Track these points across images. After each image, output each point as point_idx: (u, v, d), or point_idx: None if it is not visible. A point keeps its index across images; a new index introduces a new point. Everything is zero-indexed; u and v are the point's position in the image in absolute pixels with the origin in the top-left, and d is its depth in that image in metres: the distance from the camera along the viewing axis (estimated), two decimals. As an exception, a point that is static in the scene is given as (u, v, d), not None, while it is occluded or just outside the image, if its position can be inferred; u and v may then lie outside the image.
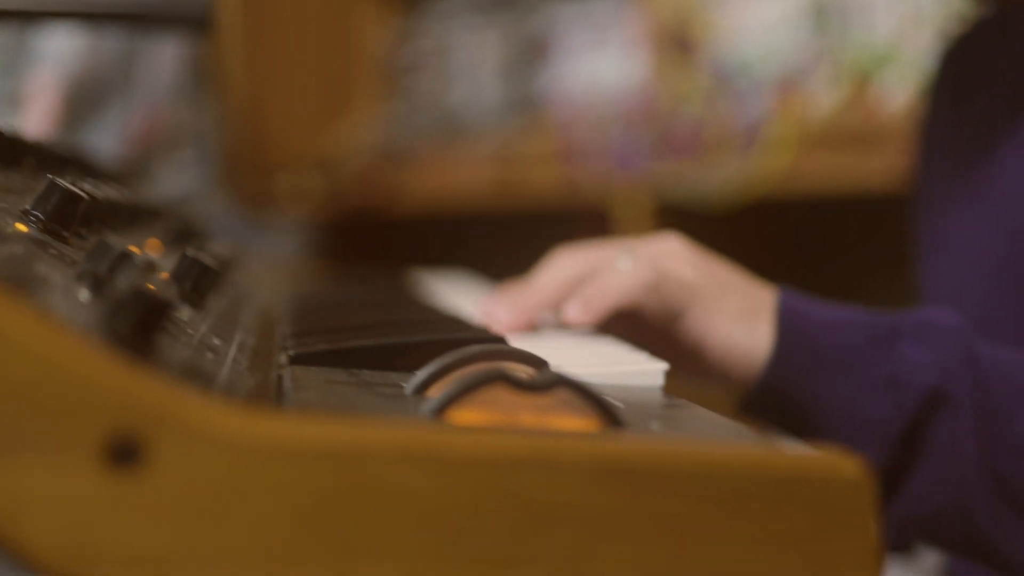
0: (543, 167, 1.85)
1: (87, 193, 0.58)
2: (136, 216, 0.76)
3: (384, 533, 0.30)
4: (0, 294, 0.29)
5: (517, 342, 0.61)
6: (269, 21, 2.37)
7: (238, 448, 0.30)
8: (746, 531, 0.32)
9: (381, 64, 2.33)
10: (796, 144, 1.48)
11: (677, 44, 1.66)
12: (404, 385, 0.43)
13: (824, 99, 1.50)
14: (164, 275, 0.53)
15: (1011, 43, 0.81)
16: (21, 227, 0.47)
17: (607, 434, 0.36)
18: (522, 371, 0.40)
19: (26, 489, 0.28)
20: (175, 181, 1.99)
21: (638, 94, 1.72)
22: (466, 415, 0.38)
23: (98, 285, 0.40)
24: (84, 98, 1.85)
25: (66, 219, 0.54)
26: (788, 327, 0.61)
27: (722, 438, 0.37)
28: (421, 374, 0.42)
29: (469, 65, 2.11)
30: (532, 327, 0.63)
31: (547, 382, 0.38)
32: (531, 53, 1.98)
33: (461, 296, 0.83)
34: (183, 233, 0.75)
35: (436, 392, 0.40)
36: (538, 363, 0.44)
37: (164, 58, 1.93)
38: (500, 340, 0.51)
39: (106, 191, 0.68)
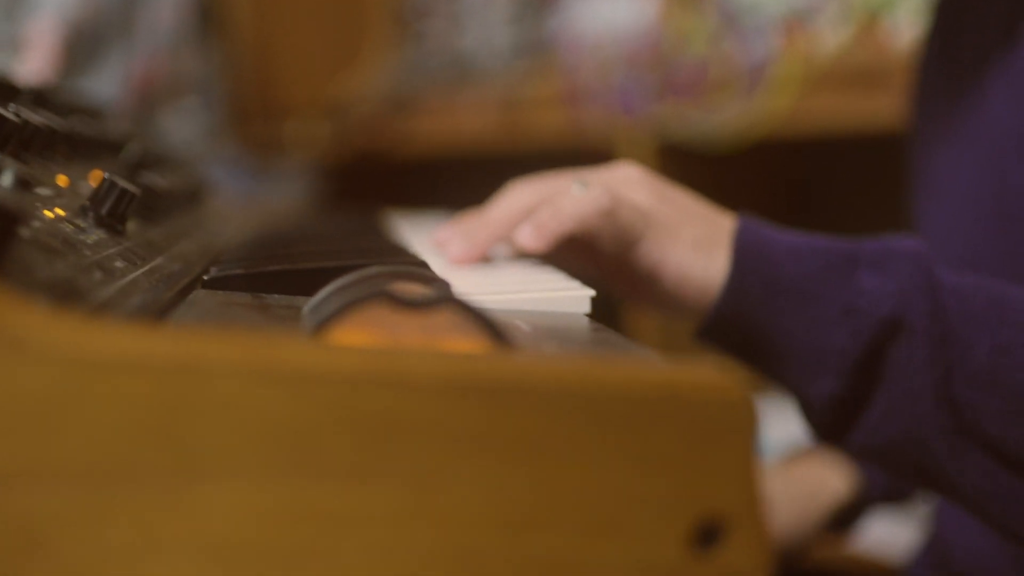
0: (549, 110, 1.83)
1: (20, 118, 0.58)
2: (94, 148, 0.75)
3: (222, 449, 0.29)
4: None
5: (453, 272, 0.59)
6: (277, -36, 2.35)
7: (66, 359, 0.28)
8: (612, 452, 0.31)
9: (392, 9, 2.30)
10: (802, 83, 1.46)
11: (683, -17, 1.63)
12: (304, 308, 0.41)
13: (831, 37, 1.47)
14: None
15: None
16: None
17: (474, 353, 0.34)
18: (417, 292, 0.38)
19: None
20: (180, 127, 1.98)
21: (644, 35, 1.69)
22: (350, 335, 0.36)
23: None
24: (84, 44, 1.83)
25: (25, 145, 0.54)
26: (744, 255, 0.59)
27: (607, 359, 0.35)
28: (317, 296, 0.41)
29: (479, 9, 2.08)
30: (484, 258, 0.62)
31: (430, 301, 0.36)
32: (541, -3, 1.96)
33: (425, 234, 0.81)
34: (140, 165, 0.74)
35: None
36: (439, 285, 0.42)
37: (167, 3, 1.91)
38: (422, 265, 0.49)
39: (58, 122, 0.66)
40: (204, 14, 2.05)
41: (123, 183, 0.50)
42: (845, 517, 0.92)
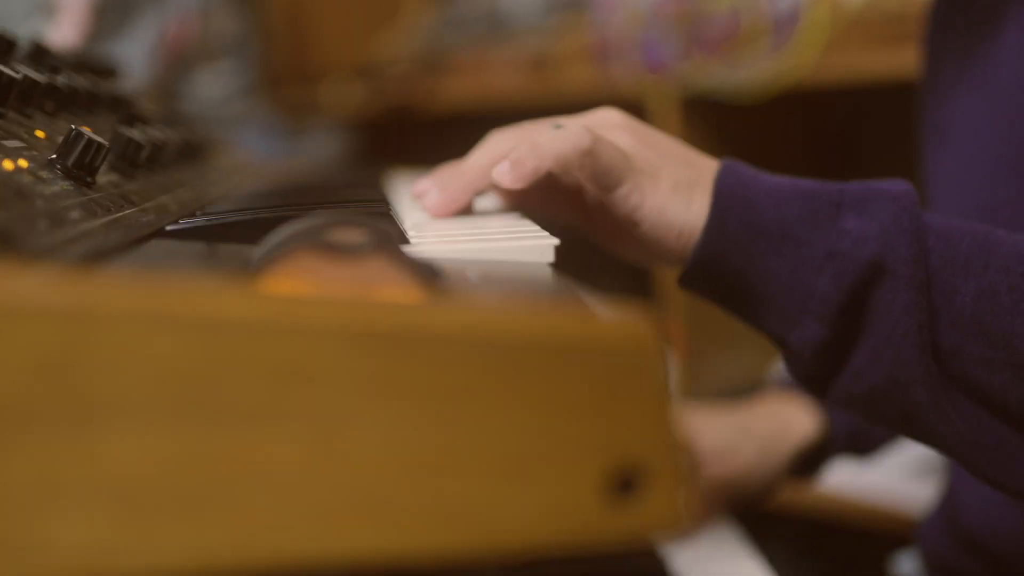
0: (579, 66, 1.82)
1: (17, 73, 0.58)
2: (94, 104, 0.75)
3: (120, 394, 0.29)
4: None
5: (428, 223, 0.59)
6: (311, -77, 2.34)
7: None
8: (520, 399, 0.30)
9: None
10: (830, 32, 1.44)
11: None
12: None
13: (859, -12, 1.44)
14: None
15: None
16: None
17: (379, 301, 0.33)
18: (351, 240, 0.38)
19: None
20: (213, 90, 1.99)
21: (675, -11, 1.67)
22: (277, 282, 0.36)
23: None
24: (116, 8, 1.84)
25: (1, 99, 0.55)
26: (725, 198, 0.57)
27: (523, 307, 0.34)
28: (263, 244, 0.40)
29: (513, -34, 2.07)
30: (463, 209, 0.61)
31: (362, 249, 0.36)
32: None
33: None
34: (135, 120, 0.74)
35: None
36: (384, 234, 0.41)
37: (200, -35, 1.92)
38: (385, 215, 0.49)
39: (51, 78, 0.67)
40: (237, -24, 2.06)
41: (90, 135, 0.50)
42: (808, 463, 0.91)
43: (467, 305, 0.31)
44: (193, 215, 0.52)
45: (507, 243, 0.48)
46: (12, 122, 0.56)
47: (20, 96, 0.58)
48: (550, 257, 0.47)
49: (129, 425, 0.29)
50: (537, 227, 0.54)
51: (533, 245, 0.47)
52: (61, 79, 0.67)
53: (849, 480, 1.51)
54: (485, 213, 0.61)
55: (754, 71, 1.50)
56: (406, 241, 0.48)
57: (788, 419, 0.88)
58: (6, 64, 0.65)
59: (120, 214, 0.50)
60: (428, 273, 0.36)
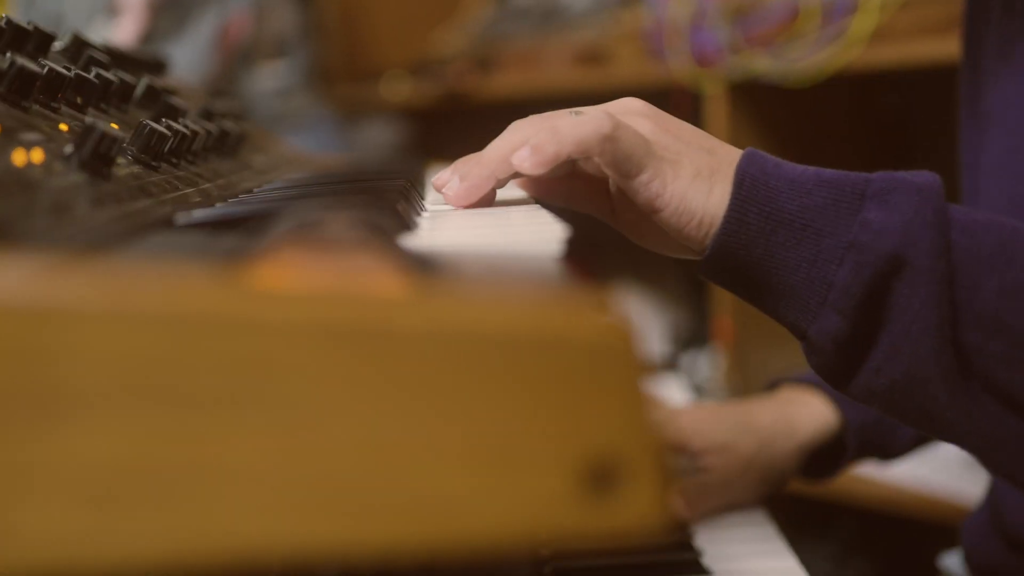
0: (630, 56, 1.81)
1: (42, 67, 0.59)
2: (126, 97, 0.76)
3: (90, 386, 0.29)
4: None
5: (444, 213, 0.59)
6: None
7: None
8: (492, 394, 0.30)
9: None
10: (880, 18, 1.42)
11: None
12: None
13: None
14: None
15: None
16: None
17: (346, 296, 0.32)
18: (344, 231, 0.38)
19: None
20: (268, 87, 2.01)
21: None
22: (266, 273, 0.35)
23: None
24: (174, 7, 1.87)
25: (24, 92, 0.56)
26: (746, 186, 0.56)
27: (511, 301, 0.33)
28: (266, 237, 0.40)
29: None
30: (484, 199, 0.60)
31: (346, 242, 0.35)
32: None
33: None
34: (166, 112, 0.74)
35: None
36: (388, 224, 0.41)
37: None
38: (402, 196, 0.48)
39: (87, 72, 0.67)
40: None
41: (104, 127, 0.51)
42: (822, 463, 0.89)
43: (444, 300, 0.31)
44: (210, 207, 0.53)
45: (514, 234, 0.48)
46: (36, 115, 0.56)
47: (45, 89, 0.59)
48: (556, 249, 0.46)
49: (98, 416, 0.29)
50: (549, 218, 0.53)
51: (539, 238, 0.47)
52: (95, 73, 0.68)
53: (909, 470, 1.48)
54: (504, 203, 0.61)
55: (804, 57, 1.48)
56: (408, 231, 0.48)
57: (793, 416, 0.86)
58: (40, 58, 0.67)
59: (134, 207, 0.50)
60: (420, 266, 0.36)
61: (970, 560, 0.89)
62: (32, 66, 0.56)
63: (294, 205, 0.47)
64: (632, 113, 0.59)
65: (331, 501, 0.30)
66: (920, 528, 1.47)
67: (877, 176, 0.57)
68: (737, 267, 0.58)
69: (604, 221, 0.65)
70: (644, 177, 0.57)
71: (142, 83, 0.79)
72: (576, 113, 0.58)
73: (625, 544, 0.79)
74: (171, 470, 0.29)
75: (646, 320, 2.07)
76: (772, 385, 0.92)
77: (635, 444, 0.30)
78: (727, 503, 0.84)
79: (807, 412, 0.86)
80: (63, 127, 0.57)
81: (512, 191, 0.64)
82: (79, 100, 0.64)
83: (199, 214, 0.47)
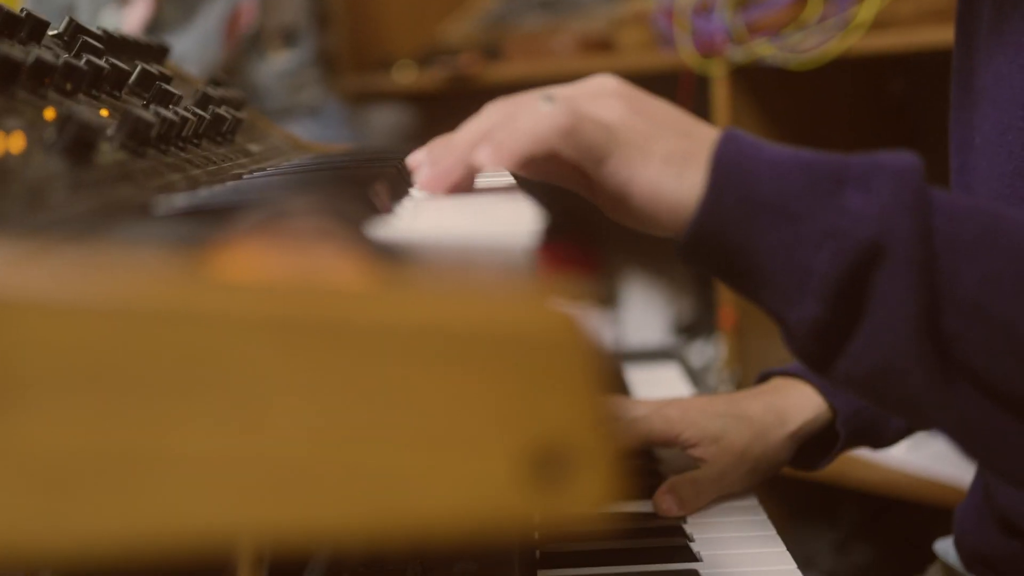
0: (636, 45, 1.81)
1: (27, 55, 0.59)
2: (121, 83, 0.76)
3: (39, 374, 0.29)
4: None
5: (421, 198, 0.59)
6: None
7: None
8: (442, 387, 0.30)
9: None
10: (883, 3, 1.42)
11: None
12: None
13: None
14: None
15: None
16: None
17: (293, 289, 0.33)
18: (308, 223, 0.38)
19: None
20: (275, 76, 2.01)
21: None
22: (227, 264, 0.36)
23: None
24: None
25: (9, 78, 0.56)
26: (721, 171, 0.55)
27: (462, 292, 0.33)
28: (230, 226, 0.41)
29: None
30: (458, 182, 0.60)
31: (316, 233, 0.36)
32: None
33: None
34: (160, 98, 0.75)
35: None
36: (349, 219, 0.41)
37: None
38: (367, 199, 0.49)
39: (77, 59, 0.68)
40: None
41: (85, 114, 0.51)
42: (813, 452, 0.88)
43: (397, 291, 0.31)
44: (191, 195, 0.53)
45: (488, 222, 0.48)
46: (22, 102, 0.57)
47: (32, 76, 0.60)
48: (527, 238, 0.47)
49: (51, 403, 0.29)
50: (527, 206, 0.53)
51: (512, 226, 0.47)
52: (85, 60, 0.69)
53: (913, 454, 1.49)
54: (486, 187, 0.61)
55: (808, 44, 1.48)
56: (379, 219, 0.48)
57: (784, 406, 0.86)
58: (33, 45, 0.67)
59: (113, 194, 0.50)
60: (382, 256, 0.36)
61: (961, 545, 0.89)
62: (16, 53, 0.57)
63: (270, 193, 0.47)
64: (605, 94, 0.59)
65: (282, 486, 0.30)
66: (925, 513, 1.47)
67: (856, 159, 0.56)
68: (714, 252, 0.57)
69: (586, 198, 0.64)
70: (609, 165, 0.56)
71: (137, 69, 0.79)
72: (546, 98, 0.58)
73: (604, 529, 0.80)
74: (123, 457, 0.29)
75: (649, 309, 2.07)
76: (763, 377, 0.92)
77: (583, 433, 0.30)
78: (720, 494, 0.84)
79: (798, 402, 0.86)
80: (48, 114, 0.57)
81: (495, 172, 0.64)
82: (68, 87, 0.65)
83: (176, 201, 0.48)
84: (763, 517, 0.82)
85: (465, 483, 0.31)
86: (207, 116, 0.77)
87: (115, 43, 0.89)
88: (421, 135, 2.30)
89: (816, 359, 0.57)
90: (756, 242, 0.55)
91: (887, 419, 0.87)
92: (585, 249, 2.36)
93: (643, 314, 2.09)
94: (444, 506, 0.31)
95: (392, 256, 0.36)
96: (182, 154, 0.68)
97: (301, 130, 2.00)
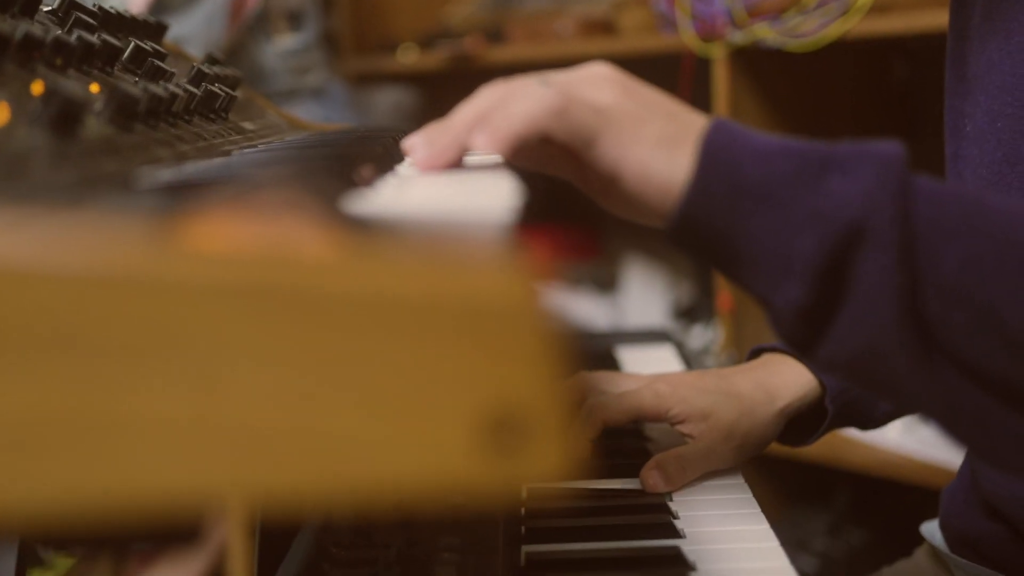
0: (639, 26, 1.80)
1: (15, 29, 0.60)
2: (114, 58, 0.77)
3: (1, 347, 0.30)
4: None
5: (412, 178, 0.59)
6: None
7: None
8: (400, 355, 0.31)
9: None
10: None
11: None
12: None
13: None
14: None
15: None
16: None
17: (250, 258, 0.33)
18: (278, 195, 0.39)
19: None
20: (279, 57, 2.02)
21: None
22: (196, 234, 0.37)
23: None
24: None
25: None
26: (710, 154, 0.56)
27: (424, 265, 0.34)
28: (202, 198, 0.41)
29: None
30: (454, 163, 0.61)
31: (283, 205, 0.36)
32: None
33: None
34: (151, 74, 0.75)
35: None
36: (332, 192, 0.42)
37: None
38: (347, 175, 0.49)
39: (67, 35, 0.69)
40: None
41: (67, 89, 0.52)
42: (801, 429, 0.89)
43: (358, 263, 0.32)
44: (173, 169, 0.54)
45: (467, 199, 0.48)
46: (11, 77, 0.58)
47: (21, 50, 0.60)
48: (503, 215, 0.47)
49: (14, 367, 0.30)
50: (508, 185, 0.54)
51: (489, 203, 0.47)
52: (76, 35, 0.69)
53: (908, 435, 1.49)
54: (473, 167, 0.62)
55: (806, 28, 1.48)
56: (357, 194, 0.49)
57: (773, 382, 0.86)
58: (25, 19, 0.68)
59: (96, 167, 0.51)
60: (354, 229, 0.37)
61: (946, 527, 0.90)
62: (5, 27, 0.57)
63: (251, 169, 0.48)
64: (597, 79, 0.60)
65: (243, 451, 0.31)
66: (919, 495, 1.48)
67: (841, 147, 0.57)
68: (701, 235, 0.58)
69: (576, 186, 0.65)
70: (600, 146, 0.57)
71: (131, 46, 0.80)
72: (542, 83, 0.59)
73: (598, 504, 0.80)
74: (86, 420, 0.30)
75: (649, 293, 2.08)
76: (754, 352, 0.92)
77: (538, 403, 0.31)
78: (707, 471, 0.85)
79: (787, 379, 0.87)
80: (36, 88, 0.58)
81: (485, 154, 0.65)
82: (58, 62, 0.66)
83: (157, 175, 0.48)
84: (748, 495, 0.83)
85: (423, 450, 0.31)
86: (198, 93, 0.77)
87: (111, 20, 0.89)
88: (423, 116, 2.31)
89: (801, 342, 0.58)
90: (741, 226, 0.56)
91: (877, 400, 0.88)
92: (586, 233, 2.37)
93: (643, 298, 2.09)
94: (402, 472, 0.31)
95: (361, 228, 0.37)
96: (172, 130, 0.69)
97: (304, 112, 2.00)
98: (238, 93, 1.00)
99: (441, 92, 2.26)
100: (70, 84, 0.53)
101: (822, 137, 0.59)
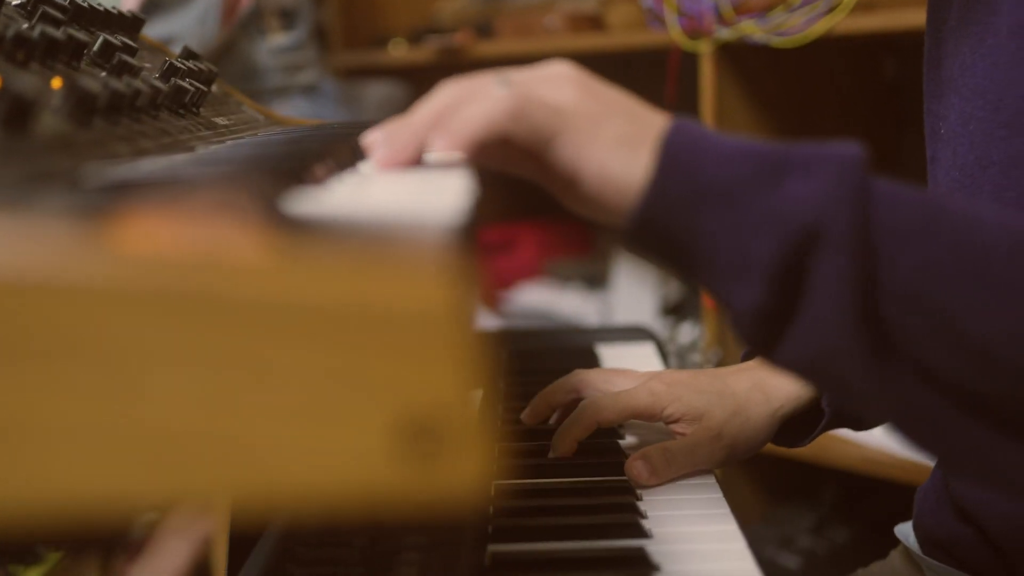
0: (627, 23, 1.80)
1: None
2: (80, 53, 0.76)
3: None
4: None
5: (373, 175, 0.59)
6: None
7: None
8: (315, 366, 0.30)
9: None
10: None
11: None
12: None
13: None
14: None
15: None
16: None
17: (193, 263, 0.33)
18: (212, 198, 0.38)
19: None
20: (267, 56, 2.01)
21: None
22: (123, 235, 0.36)
23: None
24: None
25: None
26: (669, 155, 0.56)
27: (345, 270, 0.33)
28: (138, 200, 0.41)
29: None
30: (412, 161, 0.61)
31: (216, 206, 0.36)
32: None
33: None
34: (118, 69, 0.75)
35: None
36: (272, 192, 0.42)
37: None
38: (294, 175, 0.49)
39: (30, 30, 0.68)
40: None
41: (17, 84, 0.51)
42: (795, 430, 0.89)
43: (278, 266, 0.31)
44: (130, 166, 0.53)
45: (415, 199, 0.48)
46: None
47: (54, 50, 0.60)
48: (454, 220, 0.47)
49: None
50: (461, 185, 0.53)
51: (438, 207, 0.47)
52: (39, 30, 0.69)
53: (889, 434, 1.48)
54: (433, 167, 0.61)
55: (792, 25, 1.47)
56: (303, 193, 0.48)
57: (768, 383, 0.86)
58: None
59: (43, 164, 0.51)
60: (288, 231, 0.36)
61: (919, 528, 0.90)
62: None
63: (198, 168, 0.47)
64: (556, 78, 0.59)
65: (158, 457, 0.30)
66: (904, 494, 1.47)
67: (801, 147, 0.56)
68: (659, 236, 0.57)
69: (538, 185, 0.65)
70: (558, 146, 0.57)
71: (99, 40, 0.79)
72: (501, 82, 0.59)
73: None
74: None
75: (638, 290, 2.08)
76: (748, 354, 0.92)
77: (453, 409, 0.31)
78: (693, 468, 0.84)
79: (782, 380, 0.86)
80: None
81: (447, 153, 0.64)
82: (20, 56, 0.65)
83: (106, 173, 0.48)
84: (719, 495, 0.83)
85: (340, 456, 0.31)
86: (164, 88, 0.77)
87: (86, 14, 0.89)
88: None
89: (760, 343, 0.57)
90: (700, 227, 0.56)
91: None
92: (576, 229, 2.36)
93: (632, 295, 2.09)
94: (321, 478, 0.31)
95: (295, 230, 0.37)
96: (135, 126, 0.68)
97: (294, 109, 2.00)
98: (215, 88, 1.00)
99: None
100: (22, 79, 0.52)
101: (809, 134, 0.58)
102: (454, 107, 0.59)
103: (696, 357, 1.84)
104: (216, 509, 0.46)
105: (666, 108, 0.62)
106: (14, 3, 0.77)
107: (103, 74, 0.74)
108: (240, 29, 1.97)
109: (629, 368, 0.94)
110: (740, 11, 1.55)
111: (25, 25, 0.69)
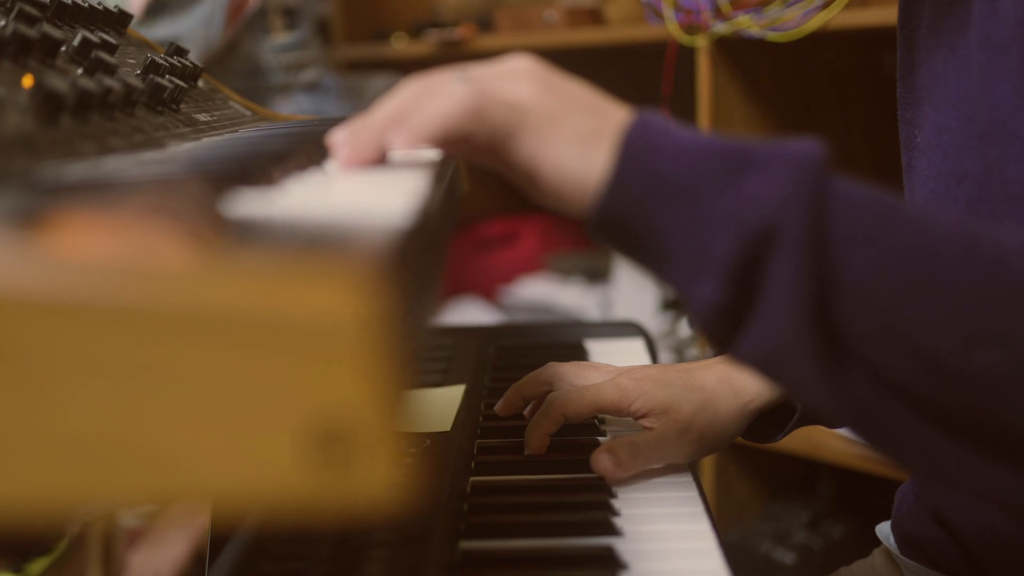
0: (626, 17, 1.80)
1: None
2: (55, 51, 0.77)
3: None
4: None
5: (340, 176, 0.59)
6: None
7: None
8: (228, 373, 0.31)
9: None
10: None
11: None
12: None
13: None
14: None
15: None
16: None
17: (111, 269, 0.33)
18: (149, 202, 0.39)
19: None
20: (268, 52, 2.02)
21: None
22: (56, 237, 0.36)
23: None
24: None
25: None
26: (628, 151, 0.56)
27: (263, 275, 0.34)
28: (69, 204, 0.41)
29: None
30: (374, 160, 0.61)
31: (139, 211, 0.36)
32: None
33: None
34: (94, 66, 0.75)
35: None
36: (212, 196, 0.42)
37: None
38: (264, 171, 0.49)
39: (19, 28, 0.69)
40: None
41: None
42: (767, 426, 0.88)
43: (193, 274, 0.31)
44: (91, 165, 0.54)
45: (360, 204, 0.48)
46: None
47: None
48: (403, 222, 0.47)
49: None
50: (420, 189, 0.53)
51: (389, 210, 0.47)
52: (12, 28, 0.69)
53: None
54: (398, 165, 0.61)
55: (788, 17, 1.47)
56: (254, 194, 0.48)
57: (739, 377, 0.86)
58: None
59: (12, 167, 0.51)
60: (221, 237, 0.36)
61: (897, 528, 0.90)
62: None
63: (141, 168, 0.48)
64: (516, 74, 0.59)
65: (70, 464, 0.31)
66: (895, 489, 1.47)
67: (763, 145, 0.56)
68: (618, 232, 0.57)
69: (504, 176, 0.65)
70: (516, 143, 0.57)
71: (77, 37, 0.80)
72: (460, 79, 0.59)
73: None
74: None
75: (639, 286, 2.07)
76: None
77: (365, 415, 0.31)
78: (661, 462, 0.84)
79: (752, 378, 0.86)
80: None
81: (412, 151, 0.64)
82: (15, 56, 0.66)
83: (60, 174, 0.48)
84: (694, 493, 0.83)
85: (253, 462, 0.31)
86: (139, 86, 0.77)
87: (67, 10, 0.89)
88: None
89: (718, 339, 0.57)
90: (658, 223, 0.56)
91: None
92: (577, 223, 2.36)
93: (633, 290, 2.09)
94: (233, 483, 0.31)
95: (226, 234, 0.37)
96: (107, 124, 0.69)
97: (295, 106, 2.01)
98: (201, 83, 1.00)
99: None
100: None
101: (806, 128, 0.58)
102: (414, 105, 0.59)
103: (694, 351, 1.84)
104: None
105: (663, 102, 0.62)
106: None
107: (79, 71, 0.74)
108: (245, 28, 1.98)
109: (610, 364, 0.94)
110: (737, 6, 1.55)
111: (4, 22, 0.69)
